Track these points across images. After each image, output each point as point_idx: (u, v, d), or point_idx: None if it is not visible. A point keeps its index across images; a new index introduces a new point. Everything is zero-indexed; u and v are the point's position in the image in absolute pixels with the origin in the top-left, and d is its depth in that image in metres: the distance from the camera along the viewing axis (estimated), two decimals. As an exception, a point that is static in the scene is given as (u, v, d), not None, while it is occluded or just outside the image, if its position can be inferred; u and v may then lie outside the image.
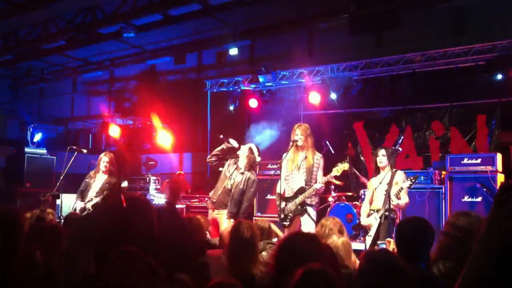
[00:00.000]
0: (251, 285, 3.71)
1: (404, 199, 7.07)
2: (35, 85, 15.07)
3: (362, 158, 12.23)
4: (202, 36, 13.04)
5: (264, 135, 9.94)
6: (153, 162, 12.87)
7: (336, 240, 4.52)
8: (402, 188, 6.96)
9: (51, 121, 14.79)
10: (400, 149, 7.88)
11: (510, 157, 9.48)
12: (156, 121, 12.97)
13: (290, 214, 7.29)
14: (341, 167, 7.22)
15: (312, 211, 7.28)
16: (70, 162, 8.61)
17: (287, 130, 7.64)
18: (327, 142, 10.51)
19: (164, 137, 12.46)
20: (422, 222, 3.77)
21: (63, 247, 4.53)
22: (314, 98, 11.59)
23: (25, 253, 3.01)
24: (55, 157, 11.89)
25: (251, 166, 7.76)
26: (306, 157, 7.33)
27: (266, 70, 11.92)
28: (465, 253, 3.32)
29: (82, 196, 8.25)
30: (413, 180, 6.99)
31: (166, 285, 2.35)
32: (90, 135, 13.60)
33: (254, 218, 9.92)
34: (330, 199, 10.24)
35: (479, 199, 8.84)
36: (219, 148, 8.06)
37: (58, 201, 8.66)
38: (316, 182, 7.26)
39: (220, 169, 8.12)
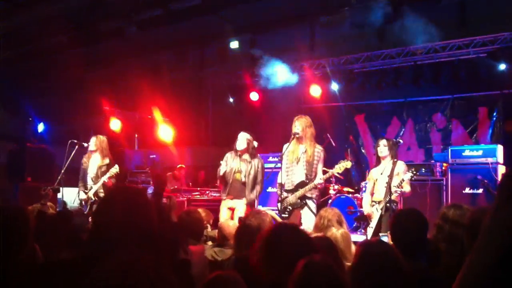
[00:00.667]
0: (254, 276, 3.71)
1: (406, 188, 7.06)
2: (37, 82, 15.08)
3: (363, 150, 12.22)
4: (203, 30, 13.01)
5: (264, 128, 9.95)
6: (154, 156, 12.88)
7: (335, 232, 4.51)
8: (403, 180, 6.94)
9: (53, 116, 14.80)
10: (401, 141, 7.86)
11: None
12: (157, 115, 12.97)
13: (290, 207, 7.28)
14: (343, 165, 7.19)
15: (312, 204, 7.26)
16: (71, 156, 8.62)
17: (288, 123, 7.61)
18: (328, 135, 10.51)
19: (165, 131, 12.45)
20: (415, 214, 3.77)
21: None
22: (315, 91, 11.58)
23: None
24: (56, 152, 11.90)
25: (253, 152, 7.85)
26: (306, 150, 7.30)
27: (267, 63, 11.89)
28: (448, 246, 3.33)
29: (84, 185, 8.36)
30: (415, 172, 6.98)
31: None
32: (91, 130, 13.61)
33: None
34: (331, 191, 10.23)
35: (480, 190, 8.83)
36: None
37: (59, 195, 8.68)
38: (316, 175, 7.24)
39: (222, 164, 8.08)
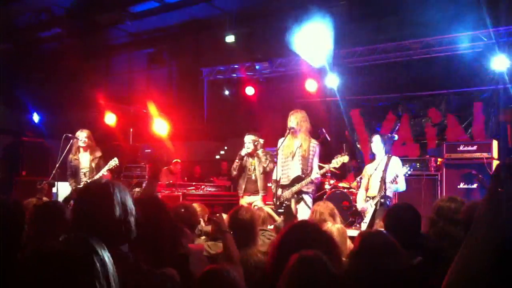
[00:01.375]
0: (244, 268, 3.72)
1: (401, 184, 7.09)
2: (33, 75, 15.03)
3: (358, 145, 12.23)
4: (199, 23, 12.99)
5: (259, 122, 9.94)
6: (149, 150, 12.86)
7: (331, 227, 4.52)
8: (397, 176, 6.96)
9: (48, 108, 14.76)
10: (396, 136, 7.90)
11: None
12: (152, 109, 12.94)
13: (286, 202, 7.29)
14: (341, 159, 7.20)
15: (308, 199, 7.26)
16: (66, 150, 8.59)
17: (283, 118, 7.61)
18: (323, 130, 10.51)
19: (160, 126, 12.43)
20: (408, 208, 3.79)
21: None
22: (311, 85, 11.57)
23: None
24: (51, 145, 11.87)
25: (256, 149, 7.93)
26: (301, 144, 7.30)
27: (263, 57, 11.88)
28: (443, 240, 3.33)
29: (76, 180, 8.32)
30: (409, 168, 7.01)
31: (149, 280, 2.37)
32: (86, 123, 13.58)
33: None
34: (327, 186, 10.24)
35: (475, 186, 8.84)
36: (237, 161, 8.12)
37: (54, 189, 8.67)
38: (312, 170, 7.25)
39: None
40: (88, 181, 8.19)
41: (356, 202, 8.25)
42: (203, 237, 5.23)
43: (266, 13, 12.34)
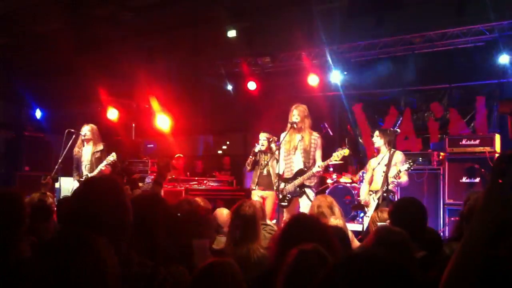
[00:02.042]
0: (246, 263, 3.72)
1: (404, 179, 7.10)
2: (32, 69, 15.01)
3: (360, 140, 12.21)
4: (199, 17, 12.94)
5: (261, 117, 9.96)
6: (152, 145, 12.87)
7: (332, 222, 4.54)
8: (400, 171, 6.96)
9: (49, 103, 14.76)
10: (399, 130, 7.91)
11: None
12: (154, 104, 12.93)
13: (289, 195, 7.31)
14: (341, 152, 7.20)
15: (310, 193, 7.28)
16: (69, 145, 8.61)
17: (285, 113, 7.61)
18: (326, 124, 10.51)
19: (162, 120, 12.43)
20: (414, 203, 3.79)
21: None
22: (313, 80, 11.56)
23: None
24: (52, 140, 11.88)
25: (270, 147, 8.16)
26: (302, 137, 7.31)
27: (264, 52, 11.86)
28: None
29: (78, 174, 8.38)
30: (412, 164, 7.00)
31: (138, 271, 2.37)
32: (88, 119, 13.57)
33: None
34: (329, 181, 10.24)
35: (477, 180, 8.84)
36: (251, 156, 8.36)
37: (57, 184, 8.68)
38: (314, 163, 7.25)
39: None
40: (89, 174, 8.23)
41: (358, 197, 8.26)
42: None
43: (267, 7, 12.29)
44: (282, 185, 7.38)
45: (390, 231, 3.17)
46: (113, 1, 10.73)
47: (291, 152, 7.38)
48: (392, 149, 7.31)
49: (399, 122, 11.42)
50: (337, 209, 5.15)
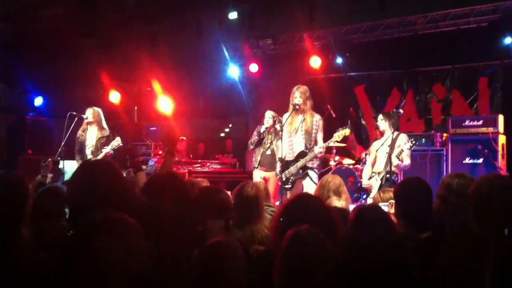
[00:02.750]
0: (250, 244, 3.73)
1: (406, 161, 7.10)
2: (34, 53, 14.96)
3: (363, 122, 12.19)
4: (201, 1, 12.88)
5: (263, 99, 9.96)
6: (154, 128, 12.87)
7: (335, 204, 4.54)
8: (403, 150, 6.97)
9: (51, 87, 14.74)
10: (401, 111, 7.90)
11: None
12: (156, 87, 12.90)
13: (292, 178, 7.30)
14: (342, 132, 7.18)
15: (313, 174, 7.28)
16: (71, 128, 8.60)
17: (287, 95, 7.58)
18: (328, 106, 10.49)
19: (164, 104, 12.41)
20: (420, 183, 3.78)
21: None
22: (315, 62, 11.52)
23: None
24: (55, 124, 11.88)
25: (279, 126, 8.05)
26: (304, 119, 7.29)
27: (267, 34, 11.81)
28: (453, 218, 3.34)
29: (82, 157, 8.36)
30: (414, 142, 7.01)
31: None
32: (91, 102, 13.56)
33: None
34: (332, 162, 10.25)
35: (480, 160, 8.85)
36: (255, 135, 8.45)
37: (60, 167, 8.67)
38: (316, 145, 7.24)
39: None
40: (93, 158, 8.22)
41: (361, 178, 8.27)
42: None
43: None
44: (278, 169, 7.39)
45: (368, 208, 3.19)
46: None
47: (293, 134, 7.36)
48: (396, 132, 7.32)
49: (402, 103, 11.39)
50: (344, 189, 5.16)
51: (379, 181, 7.04)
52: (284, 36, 12.27)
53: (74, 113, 8.76)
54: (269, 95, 11.63)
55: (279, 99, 9.88)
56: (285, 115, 7.47)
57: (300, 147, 7.29)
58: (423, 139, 9.33)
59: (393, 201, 3.79)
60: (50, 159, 7.66)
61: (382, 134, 7.64)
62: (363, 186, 7.70)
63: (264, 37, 12.24)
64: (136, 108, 14.02)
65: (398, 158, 6.97)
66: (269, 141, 8.14)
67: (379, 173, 7.15)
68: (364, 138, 11.87)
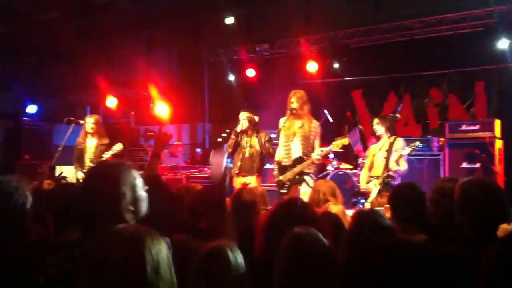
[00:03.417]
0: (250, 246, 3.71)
1: (403, 166, 7.10)
2: (31, 58, 14.97)
3: (360, 127, 12.20)
4: (198, 4, 12.89)
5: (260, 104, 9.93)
6: (152, 133, 12.85)
7: (332, 207, 4.53)
8: (401, 155, 6.97)
9: (48, 92, 14.73)
10: (398, 115, 7.90)
11: None
12: (153, 92, 12.90)
13: (288, 183, 7.28)
14: (341, 141, 7.16)
15: (310, 180, 7.24)
16: (68, 134, 8.58)
17: (284, 100, 7.58)
18: (325, 111, 10.50)
19: (161, 108, 12.39)
20: (414, 187, 3.79)
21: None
22: (312, 66, 11.53)
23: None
24: (52, 130, 11.86)
25: (256, 127, 7.90)
26: (302, 125, 7.27)
27: (263, 39, 11.83)
28: (449, 221, 3.34)
29: (81, 165, 8.31)
30: (413, 147, 7.01)
31: None
32: (88, 107, 13.58)
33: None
34: (329, 167, 10.23)
35: (478, 165, 8.85)
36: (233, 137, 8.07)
37: (57, 173, 8.65)
38: (313, 151, 7.22)
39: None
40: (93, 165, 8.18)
41: (359, 183, 8.27)
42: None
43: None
44: (274, 172, 7.36)
45: (368, 212, 3.20)
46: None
47: (290, 138, 7.34)
48: (393, 136, 7.33)
49: (398, 108, 11.39)
50: (339, 195, 5.15)
51: (378, 186, 7.04)
52: (280, 41, 12.29)
53: (72, 118, 8.74)
54: (266, 100, 11.64)
55: (276, 103, 9.90)
56: (282, 120, 7.45)
57: (297, 152, 7.26)
58: (420, 144, 9.34)
59: (388, 205, 3.81)
60: (46, 165, 7.65)
61: (379, 138, 7.64)
62: (361, 190, 7.69)
63: (261, 42, 12.25)
64: (133, 113, 14.01)
65: (396, 163, 6.97)
66: (248, 144, 7.97)
67: (377, 177, 7.15)
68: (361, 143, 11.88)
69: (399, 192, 3.81)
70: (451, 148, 9.20)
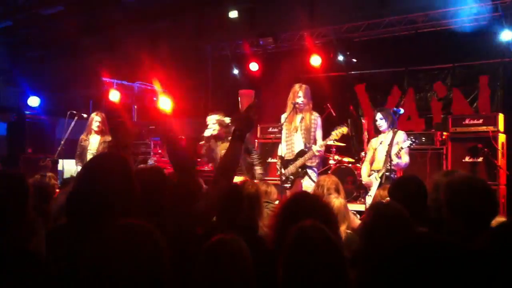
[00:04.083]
0: (255, 240, 3.72)
1: (405, 159, 7.09)
2: (34, 52, 14.98)
3: (363, 120, 12.15)
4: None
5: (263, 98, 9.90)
6: (154, 127, 12.84)
7: (334, 201, 4.53)
8: (402, 148, 6.97)
9: (51, 86, 14.74)
10: (402, 109, 7.88)
11: None
12: (157, 86, 12.90)
13: (291, 177, 7.29)
14: (340, 131, 7.17)
15: (312, 173, 7.26)
16: (71, 128, 8.60)
17: (287, 93, 7.56)
18: (328, 105, 10.48)
19: (165, 102, 12.40)
20: (414, 180, 3.79)
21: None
22: (316, 60, 11.50)
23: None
24: (56, 123, 11.89)
25: (228, 130, 7.37)
26: (303, 118, 7.28)
27: (267, 32, 11.81)
28: (439, 215, 3.34)
29: (82, 161, 8.33)
30: (414, 140, 7.00)
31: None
32: (90, 101, 13.56)
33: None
34: (331, 161, 10.22)
35: (480, 159, 8.83)
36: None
37: (60, 167, 8.68)
38: (315, 143, 7.22)
39: None
40: None
41: (360, 177, 8.26)
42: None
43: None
44: (277, 166, 7.35)
45: (386, 205, 3.18)
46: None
47: (293, 132, 7.35)
48: (395, 129, 7.31)
49: (402, 102, 11.38)
50: (342, 189, 5.16)
51: (379, 179, 7.03)
52: (284, 35, 12.26)
53: (74, 111, 8.76)
54: (270, 94, 11.62)
55: (280, 97, 9.87)
56: (283, 115, 7.46)
57: (299, 145, 7.28)
58: (423, 138, 9.33)
59: (388, 199, 3.81)
60: (48, 159, 7.68)
61: (378, 130, 7.62)
62: (362, 183, 7.68)
63: (265, 36, 12.22)
64: (135, 107, 14.01)
65: (397, 156, 6.96)
66: (223, 151, 7.62)
67: (378, 171, 7.14)
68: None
69: (399, 185, 3.81)
70: (454, 142, 9.18)
